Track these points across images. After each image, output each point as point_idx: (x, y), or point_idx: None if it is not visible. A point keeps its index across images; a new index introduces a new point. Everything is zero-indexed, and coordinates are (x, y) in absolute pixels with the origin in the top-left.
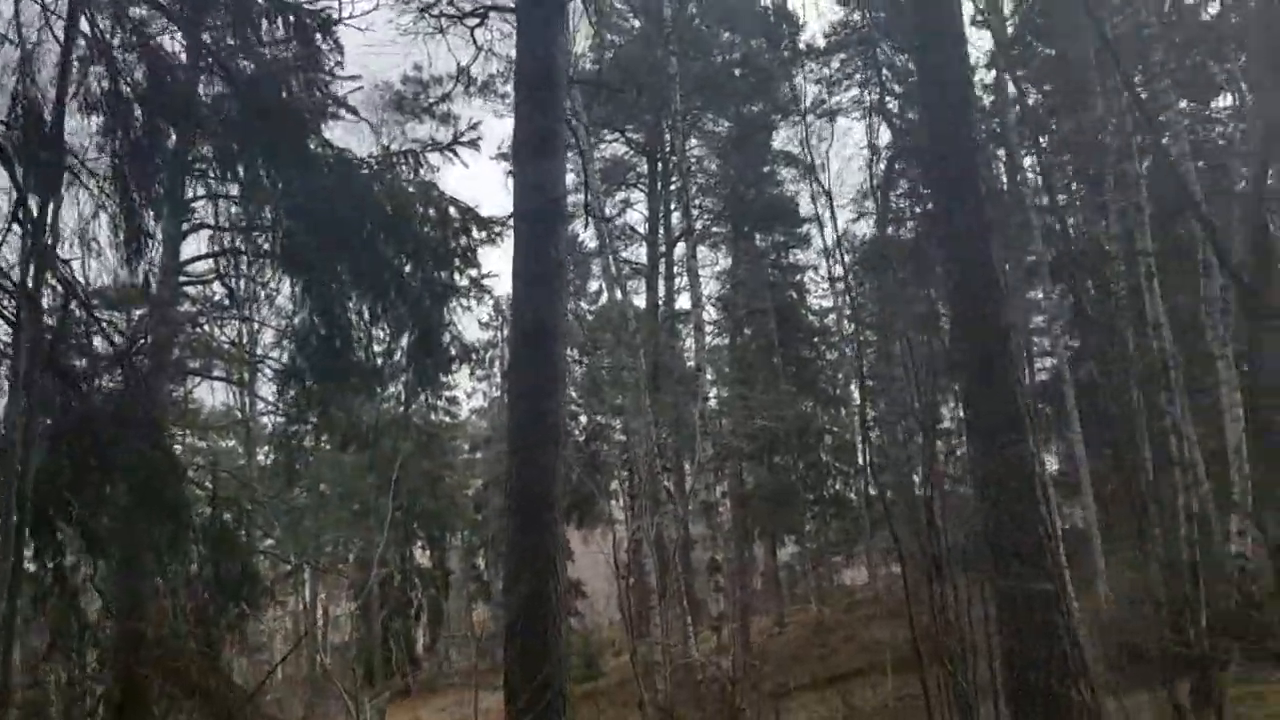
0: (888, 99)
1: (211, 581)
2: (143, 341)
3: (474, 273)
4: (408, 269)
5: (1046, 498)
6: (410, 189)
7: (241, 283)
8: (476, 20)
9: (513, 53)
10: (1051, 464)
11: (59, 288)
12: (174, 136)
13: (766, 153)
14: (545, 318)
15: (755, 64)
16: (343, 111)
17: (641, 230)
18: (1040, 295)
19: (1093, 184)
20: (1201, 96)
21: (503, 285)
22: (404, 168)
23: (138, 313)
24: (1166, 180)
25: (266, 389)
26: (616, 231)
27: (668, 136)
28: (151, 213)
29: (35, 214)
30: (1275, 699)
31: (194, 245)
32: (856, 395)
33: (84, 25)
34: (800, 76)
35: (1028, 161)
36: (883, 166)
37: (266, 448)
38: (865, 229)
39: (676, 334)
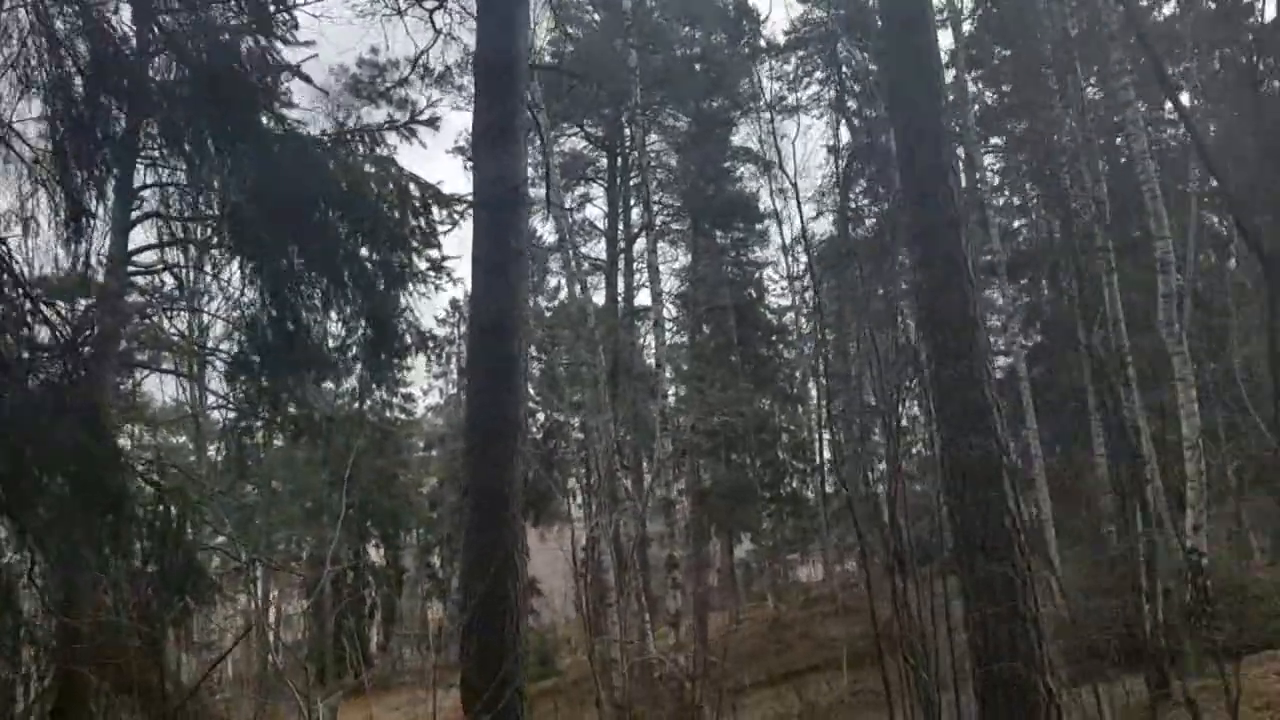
0: (847, 98)
1: (155, 576)
2: (89, 333)
3: (434, 254)
4: (364, 250)
5: (1014, 488)
6: (368, 166)
7: (191, 273)
8: (435, 3)
9: (472, 42)
10: None
11: None
12: (118, 112)
13: (726, 149)
14: (505, 307)
15: (715, 59)
16: (296, 81)
17: (601, 226)
18: (997, 294)
19: (1048, 183)
20: (1157, 98)
21: (463, 267)
22: (360, 145)
23: (83, 303)
24: (1123, 177)
25: (217, 383)
26: (576, 226)
27: (627, 131)
28: (94, 191)
29: None
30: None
31: (142, 235)
32: (814, 393)
33: None
34: (760, 73)
35: (987, 160)
36: (843, 164)
37: (218, 444)
38: (825, 227)
39: (636, 330)
